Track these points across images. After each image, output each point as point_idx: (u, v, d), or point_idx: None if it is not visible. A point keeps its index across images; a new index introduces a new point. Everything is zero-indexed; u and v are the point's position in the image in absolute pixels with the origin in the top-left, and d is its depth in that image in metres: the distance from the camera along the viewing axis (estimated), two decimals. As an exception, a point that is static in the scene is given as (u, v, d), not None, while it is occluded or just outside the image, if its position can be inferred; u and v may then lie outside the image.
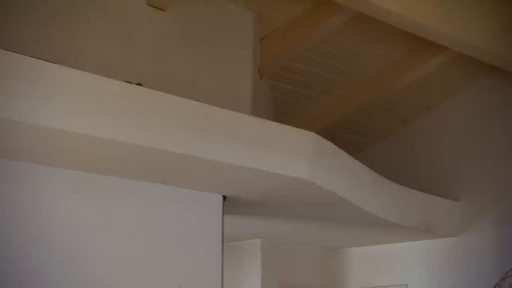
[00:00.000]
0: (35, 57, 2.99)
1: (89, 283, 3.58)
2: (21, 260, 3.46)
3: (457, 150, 5.68)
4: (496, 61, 4.69)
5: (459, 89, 5.68)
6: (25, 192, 3.52)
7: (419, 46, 5.07)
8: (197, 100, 3.54)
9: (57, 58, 3.40)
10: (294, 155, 3.75)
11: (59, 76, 2.99)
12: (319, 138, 3.91)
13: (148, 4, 4.33)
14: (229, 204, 4.21)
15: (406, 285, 5.68)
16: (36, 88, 2.88)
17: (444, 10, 4.25)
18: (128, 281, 3.69)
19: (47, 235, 3.48)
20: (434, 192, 5.47)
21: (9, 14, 3.80)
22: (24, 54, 2.93)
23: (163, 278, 3.77)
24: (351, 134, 6.10)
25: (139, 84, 3.49)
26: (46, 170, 3.55)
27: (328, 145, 4.06)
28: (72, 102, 2.98)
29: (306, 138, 3.83)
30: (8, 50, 2.82)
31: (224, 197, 4.12)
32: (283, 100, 5.75)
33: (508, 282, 4.85)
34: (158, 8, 4.40)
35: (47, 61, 3.03)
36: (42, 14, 4.06)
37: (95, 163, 3.54)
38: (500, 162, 5.38)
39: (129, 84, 3.32)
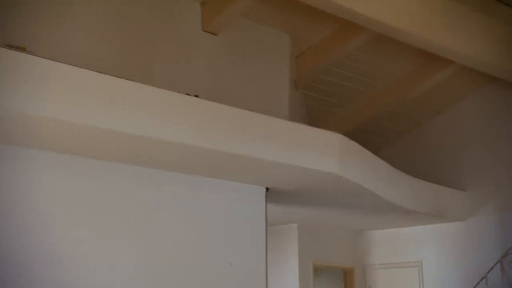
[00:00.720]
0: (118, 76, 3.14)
1: (157, 257, 3.85)
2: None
3: (464, 147, 5.89)
4: (500, 73, 4.89)
5: (466, 95, 5.87)
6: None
7: (430, 60, 5.24)
8: (245, 109, 3.72)
9: (132, 76, 3.56)
10: (325, 153, 4.01)
11: (136, 92, 3.32)
12: (346, 138, 4.18)
13: (203, 30, 4.66)
14: (271, 194, 4.47)
15: (421, 262, 5.98)
16: (119, 100, 3.15)
17: (452, 29, 4.46)
18: (188, 259, 3.98)
19: (110, 222, 3.66)
20: (444, 183, 5.72)
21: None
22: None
23: (218, 256, 4.07)
24: (372, 135, 6.27)
25: (197, 96, 3.72)
26: (121, 168, 3.75)
27: (353, 145, 4.31)
28: (148, 113, 3.31)
29: (335, 139, 4.10)
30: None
31: (267, 189, 4.40)
32: (315, 108, 6.04)
33: (508, 259, 5.07)
34: (211, 33, 4.75)
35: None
36: (125, 42, 4.42)
37: (161, 161, 3.81)
38: (501, 158, 5.57)
39: (188, 96, 3.62)
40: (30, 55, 3.11)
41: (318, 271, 6.46)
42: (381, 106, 6.06)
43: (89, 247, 3.65)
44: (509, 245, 5.24)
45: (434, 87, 5.69)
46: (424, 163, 6.16)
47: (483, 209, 5.70)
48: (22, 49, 3.31)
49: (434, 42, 4.39)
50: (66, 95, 3.19)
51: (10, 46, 3.18)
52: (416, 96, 5.84)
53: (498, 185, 5.63)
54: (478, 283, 5.17)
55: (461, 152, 5.98)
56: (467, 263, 5.66)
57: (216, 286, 4.06)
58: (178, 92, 3.59)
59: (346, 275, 6.73)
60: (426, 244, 6.08)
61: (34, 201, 3.48)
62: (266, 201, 4.41)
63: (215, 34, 4.78)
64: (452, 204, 5.75)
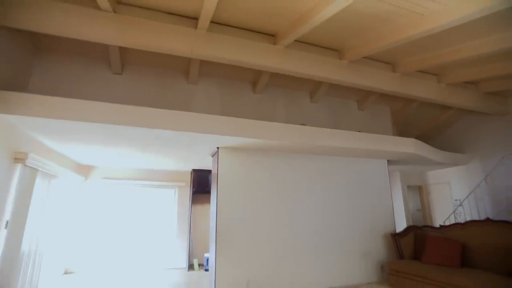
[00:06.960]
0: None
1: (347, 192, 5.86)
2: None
3: (463, 138, 7.49)
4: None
5: (456, 120, 7.65)
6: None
7: (443, 109, 7.21)
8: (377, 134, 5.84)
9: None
10: (408, 145, 5.88)
11: (347, 134, 5.44)
12: (416, 140, 6.07)
13: (358, 109, 6.85)
14: (389, 163, 6.74)
15: (449, 181, 8.16)
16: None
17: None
18: (355, 188, 5.79)
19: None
20: (456, 151, 7.92)
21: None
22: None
23: (371, 186, 5.99)
24: (427, 135, 8.39)
25: (360, 131, 5.60)
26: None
27: (419, 141, 6.09)
28: (343, 140, 5.33)
29: (412, 140, 5.99)
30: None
31: (388, 160, 6.51)
32: (402, 130, 8.37)
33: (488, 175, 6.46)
34: (361, 110, 6.97)
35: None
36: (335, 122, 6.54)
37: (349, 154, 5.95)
38: (481, 140, 7.16)
39: (358, 132, 5.56)
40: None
41: (409, 188, 8.74)
42: (429, 126, 8.20)
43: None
44: (486, 173, 7.36)
45: (447, 118, 7.91)
46: (448, 144, 8.20)
47: (473, 161, 7.78)
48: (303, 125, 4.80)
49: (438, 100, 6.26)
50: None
51: (303, 124, 4.83)
52: (444, 120, 7.91)
53: (481, 151, 7.57)
54: (478, 184, 7.08)
55: (462, 141, 7.94)
56: (471, 181, 7.73)
57: (370, 197, 5.78)
58: (356, 131, 5.92)
59: (420, 189, 8.93)
60: (452, 174, 8.18)
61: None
62: (388, 165, 6.53)
63: (362, 110, 7.11)
64: (460, 159, 7.78)
